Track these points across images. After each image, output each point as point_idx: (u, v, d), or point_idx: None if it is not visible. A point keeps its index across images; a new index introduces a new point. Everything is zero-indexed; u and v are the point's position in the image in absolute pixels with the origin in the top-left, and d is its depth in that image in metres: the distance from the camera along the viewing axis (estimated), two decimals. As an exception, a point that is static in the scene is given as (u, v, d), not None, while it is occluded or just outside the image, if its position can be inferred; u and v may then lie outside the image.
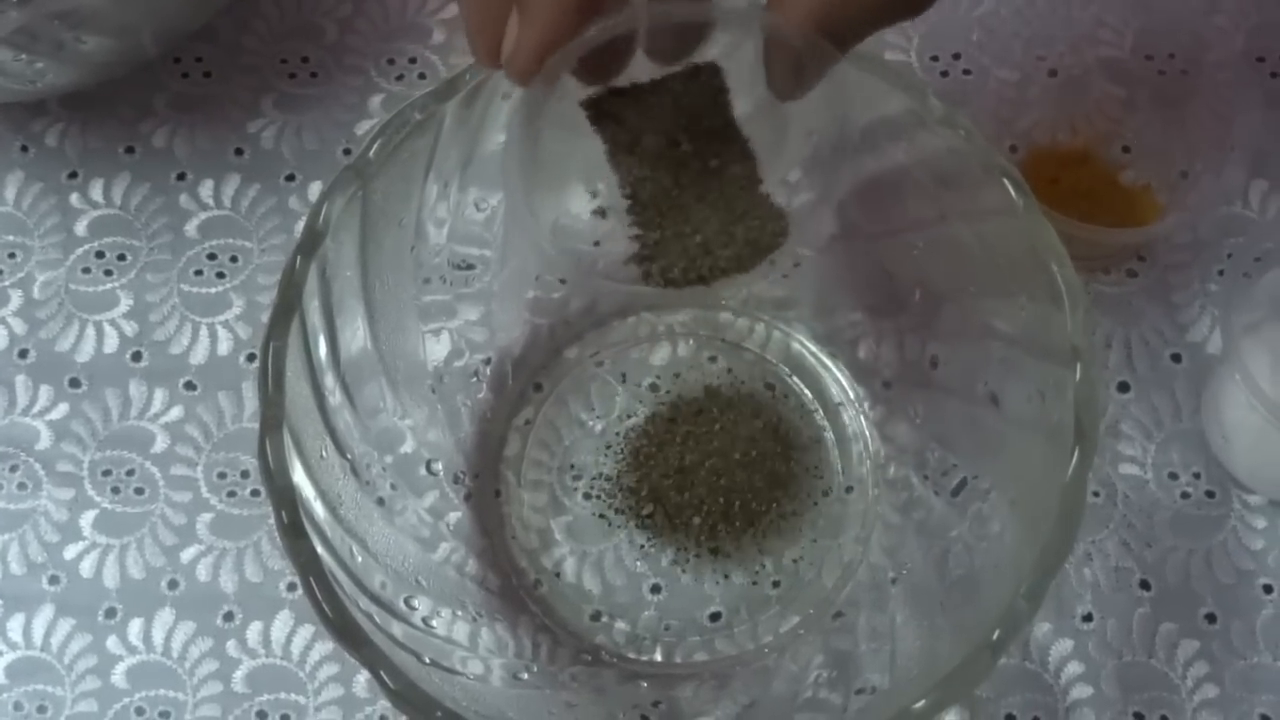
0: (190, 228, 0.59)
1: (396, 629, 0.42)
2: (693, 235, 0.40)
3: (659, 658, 0.51)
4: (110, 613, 0.52)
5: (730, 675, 0.51)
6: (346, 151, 0.60)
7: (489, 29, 0.36)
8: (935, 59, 0.62)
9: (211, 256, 0.58)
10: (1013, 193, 0.43)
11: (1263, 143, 0.59)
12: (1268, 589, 0.52)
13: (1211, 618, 0.51)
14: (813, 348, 0.56)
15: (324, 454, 0.44)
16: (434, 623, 0.46)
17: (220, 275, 0.58)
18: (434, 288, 0.51)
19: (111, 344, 0.57)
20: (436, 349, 0.53)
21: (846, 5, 0.34)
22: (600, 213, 0.45)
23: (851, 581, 0.52)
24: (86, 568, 0.53)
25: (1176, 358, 0.56)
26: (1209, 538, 0.53)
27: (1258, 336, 0.50)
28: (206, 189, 0.59)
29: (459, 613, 0.48)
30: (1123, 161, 0.59)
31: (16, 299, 0.58)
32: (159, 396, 0.56)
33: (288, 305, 0.41)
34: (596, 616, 0.52)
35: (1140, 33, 0.61)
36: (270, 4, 0.63)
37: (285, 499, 0.40)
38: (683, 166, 0.40)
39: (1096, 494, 0.53)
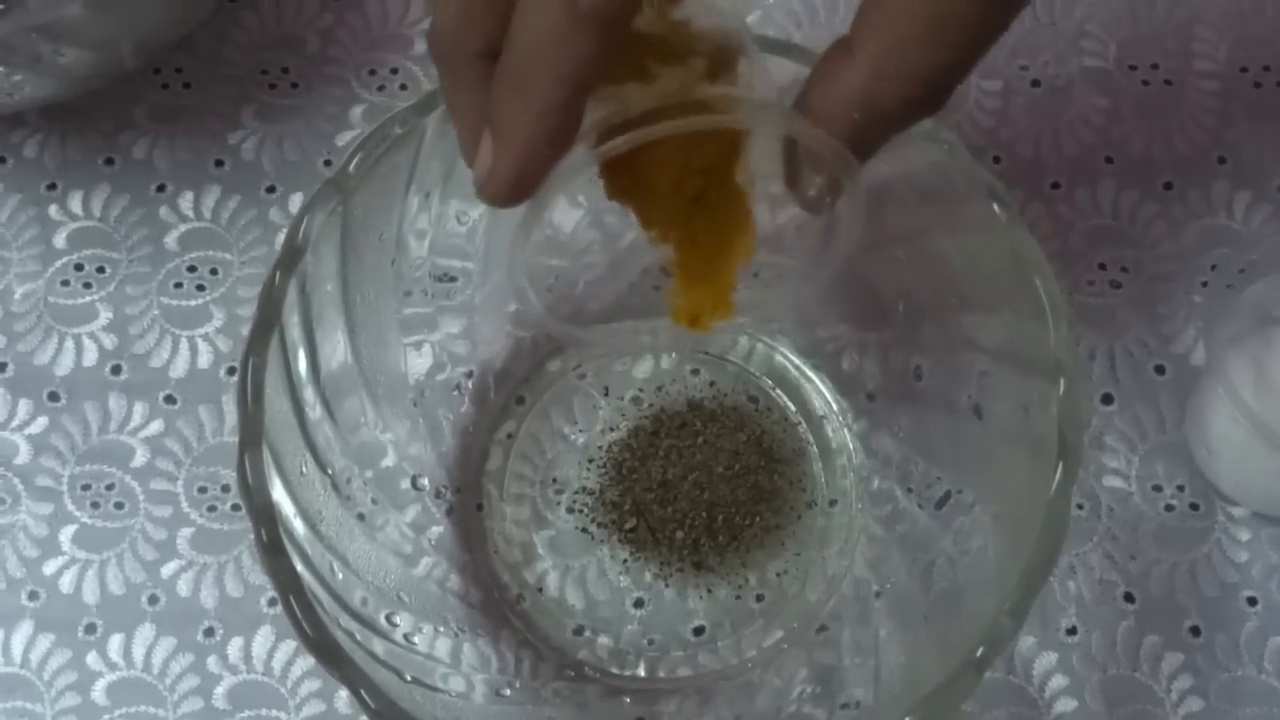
0: (170, 240, 0.58)
1: (378, 646, 0.42)
2: None
3: (642, 673, 0.51)
4: (90, 628, 0.52)
5: (714, 690, 0.50)
6: (328, 163, 0.60)
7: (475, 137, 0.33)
8: (919, 70, 0.61)
9: (191, 269, 0.58)
10: (995, 206, 0.43)
11: (1246, 154, 0.59)
12: (1251, 601, 0.52)
13: (1196, 630, 0.51)
14: (796, 360, 0.56)
15: (304, 470, 0.43)
16: (415, 639, 0.46)
17: (200, 288, 0.57)
18: (415, 301, 0.51)
19: (91, 357, 0.56)
20: (418, 362, 0.52)
21: (874, 113, 0.32)
22: (585, 223, 0.45)
23: (835, 595, 0.52)
24: (66, 583, 0.53)
25: (1161, 370, 0.55)
26: (1193, 550, 0.53)
27: (1241, 349, 0.50)
28: (186, 201, 0.59)
29: (441, 629, 0.48)
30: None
31: (-6, 312, 0.57)
32: (139, 410, 0.55)
33: (267, 321, 0.41)
34: (579, 631, 0.52)
35: (1124, 43, 0.61)
36: (250, 15, 0.63)
37: (264, 516, 0.39)
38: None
39: (1080, 506, 0.53)
